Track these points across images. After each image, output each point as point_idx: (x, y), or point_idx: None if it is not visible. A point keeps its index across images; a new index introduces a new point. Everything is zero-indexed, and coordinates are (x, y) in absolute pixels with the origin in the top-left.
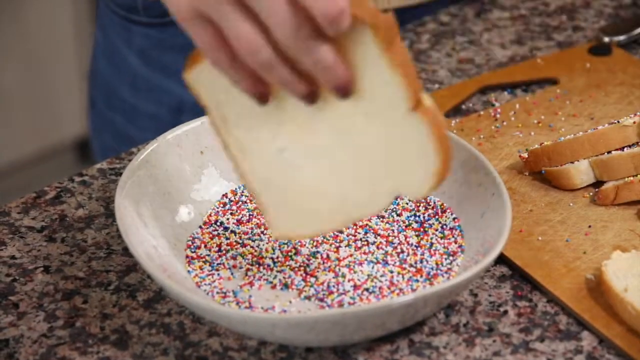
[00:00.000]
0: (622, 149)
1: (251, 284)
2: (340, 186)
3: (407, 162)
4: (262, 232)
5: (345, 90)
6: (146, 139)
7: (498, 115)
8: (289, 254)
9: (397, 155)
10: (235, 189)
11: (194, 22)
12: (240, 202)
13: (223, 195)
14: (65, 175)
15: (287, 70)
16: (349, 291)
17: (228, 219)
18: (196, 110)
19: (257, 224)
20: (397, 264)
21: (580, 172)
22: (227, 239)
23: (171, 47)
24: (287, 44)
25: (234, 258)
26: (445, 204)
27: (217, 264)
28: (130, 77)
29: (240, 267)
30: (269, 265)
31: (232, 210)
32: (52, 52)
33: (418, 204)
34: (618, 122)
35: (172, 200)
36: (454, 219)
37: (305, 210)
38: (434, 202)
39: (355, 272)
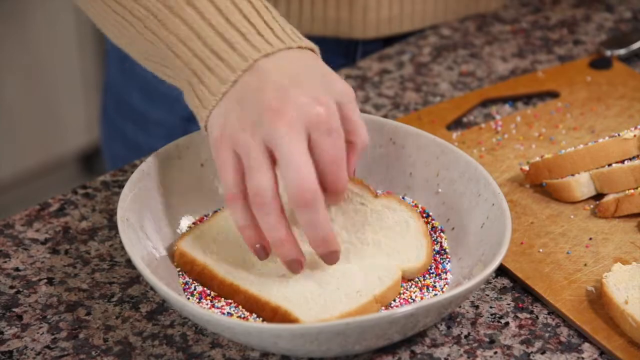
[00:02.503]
0: (622, 161)
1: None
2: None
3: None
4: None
5: (330, 261)
6: (156, 147)
7: (499, 128)
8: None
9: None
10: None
11: (227, 151)
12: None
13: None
14: (68, 187)
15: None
16: None
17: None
18: None
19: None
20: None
21: (581, 184)
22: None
23: None
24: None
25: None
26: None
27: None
28: (141, 84)
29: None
30: None
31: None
32: (55, 64)
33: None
34: (618, 135)
35: (173, 212)
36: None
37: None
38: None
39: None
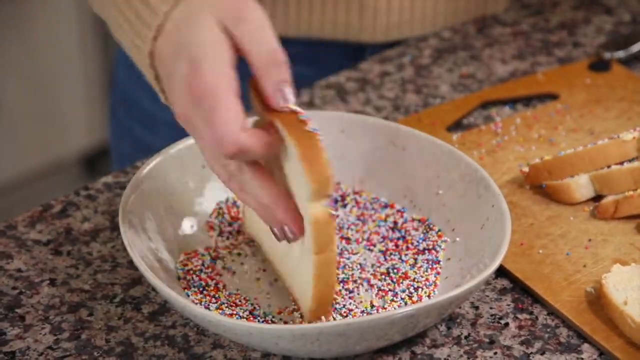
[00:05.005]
0: (621, 163)
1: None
2: None
3: None
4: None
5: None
6: (164, 147)
7: (499, 130)
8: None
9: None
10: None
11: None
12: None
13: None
14: (71, 189)
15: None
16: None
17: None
18: None
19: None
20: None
21: (581, 186)
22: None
23: None
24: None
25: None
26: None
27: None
28: (149, 85)
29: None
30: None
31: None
32: (57, 65)
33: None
34: (618, 137)
35: (175, 213)
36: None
37: None
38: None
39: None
